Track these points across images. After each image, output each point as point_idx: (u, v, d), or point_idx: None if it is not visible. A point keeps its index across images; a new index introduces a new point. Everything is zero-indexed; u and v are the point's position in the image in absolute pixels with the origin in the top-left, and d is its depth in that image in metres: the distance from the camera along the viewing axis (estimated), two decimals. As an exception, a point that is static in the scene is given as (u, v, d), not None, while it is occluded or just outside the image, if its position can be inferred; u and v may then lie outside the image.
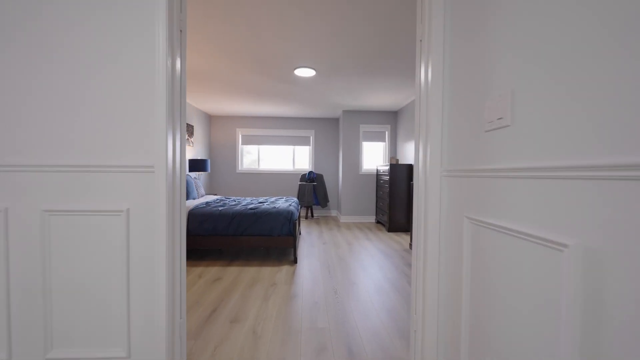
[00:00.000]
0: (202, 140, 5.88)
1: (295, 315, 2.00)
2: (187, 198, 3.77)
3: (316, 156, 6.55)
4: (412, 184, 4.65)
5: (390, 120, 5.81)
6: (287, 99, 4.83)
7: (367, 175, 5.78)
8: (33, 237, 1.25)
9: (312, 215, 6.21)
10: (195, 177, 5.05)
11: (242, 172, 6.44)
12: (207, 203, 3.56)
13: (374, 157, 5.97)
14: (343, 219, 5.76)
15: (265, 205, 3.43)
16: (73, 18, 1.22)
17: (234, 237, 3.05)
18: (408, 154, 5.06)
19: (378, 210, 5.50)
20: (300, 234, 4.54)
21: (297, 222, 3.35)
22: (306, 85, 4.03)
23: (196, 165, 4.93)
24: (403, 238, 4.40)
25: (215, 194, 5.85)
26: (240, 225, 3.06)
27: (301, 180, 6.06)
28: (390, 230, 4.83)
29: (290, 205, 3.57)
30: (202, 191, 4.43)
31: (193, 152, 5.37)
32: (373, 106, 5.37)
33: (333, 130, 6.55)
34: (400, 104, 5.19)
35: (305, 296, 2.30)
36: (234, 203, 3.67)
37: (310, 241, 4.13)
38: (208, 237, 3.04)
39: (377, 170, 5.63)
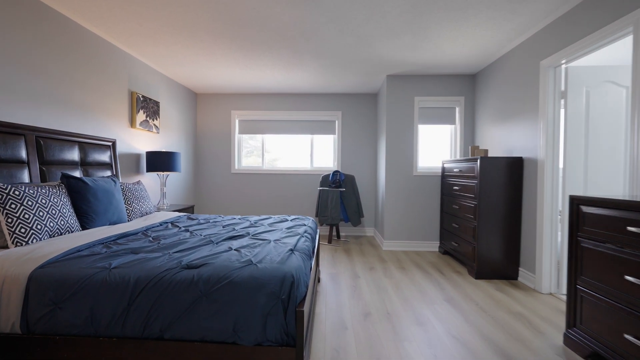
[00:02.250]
0: (180, 127, 4.09)
1: None
2: (92, 222, 1.91)
3: (344, 149, 4.54)
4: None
5: (465, 89, 3.66)
6: (299, 51, 2.88)
7: (425, 177, 3.68)
8: None
9: (338, 236, 4.20)
10: (134, 182, 3.25)
11: (238, 173, 4.59)
12: (116, 239, 1.70)
13: (436, 148, 3.84)
14: (387, 244, 3.70)
15: (239, 246, 1.49)
16: None
17: (138, 344, 1.14)
18: (499, 142, 2.91)
19: (445, 234, 3.38)
20: (319, 281, 2.56)
21: (306, 289, 1.36)
22: (332, 14, 2.05)
23: (157, 161, 3.12)
24: (519, 301, 2.26)
25: (185, 209, 4.02)
26: (152, 315, 1.14)
27: (322, 184, 4.08)
28: (479, 275, 2.70)
29: (297, 242, 1.61)
30: (149, 204, 2.57)
31: (159, 142, 3.58)
32: (439, 64, 3.27)
33: (369, 111, 4.50)
34: (487, 59, 3.04)
35: None
36: (182, 236, 1.76)
37: (338, 303, 2.13)
38: (74, 341, 1.15)
39: (443, 168, 3.51)
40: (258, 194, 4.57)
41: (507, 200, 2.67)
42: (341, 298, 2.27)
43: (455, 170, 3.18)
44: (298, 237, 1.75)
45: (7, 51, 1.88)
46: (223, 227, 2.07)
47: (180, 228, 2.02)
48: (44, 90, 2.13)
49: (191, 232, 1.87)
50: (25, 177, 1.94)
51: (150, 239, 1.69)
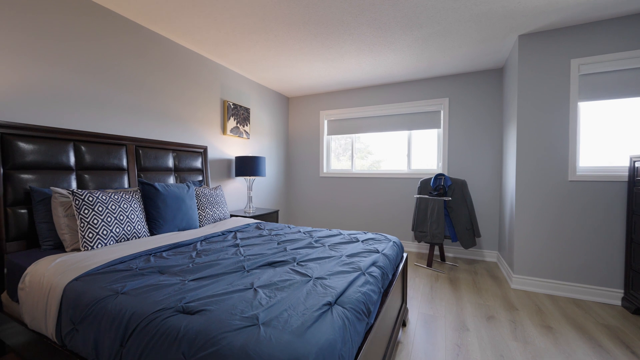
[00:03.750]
0: (272, 132, 4.16)
1: None
2: (160, 228, 1.92)
3: (452, 146, 3.54)
4: None
5: (682, 33, 2.09)
6: (385, 24, 2.27)
7: (594, 183, 2.32)
8: None
9: (443, 258, 3.26)
10: (214, 186, 3.32)
11: (327, 177, 4.31)
12: (164, 250, 1.61)
13: (613, 137, 2.38)
14: (519, 281, 2.54)
15: (266, 283, 1.09)
16: None
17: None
18: None
19: (639, 280, 1.98)
20: (404, 325, 1.88)
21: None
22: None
23: (244, 165, 3.17)
24: None
25: (268, 214, 3.99)
26: (142, 365, 0.86)
27: (420, 191, 3.26)
28: None
29: (349, 285, 1.08)
30: (223, 210, 2.54)
31: (249, 147, 3.69)
32: (607, 3, 1.95)
33: (490, 93, 3.34)
34: None
35: None
36: (224, 254, 1.52)
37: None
38: (86, 372, 1.02)
39: (633, 168, 2.10)
40: (346, 200, 4.16)
41: None
42: (433, 365, 1.53)
43: (665, 172, 1.80)
44: (357, 274, 1.19)
45: (110, 70, 2.15)
46: (278, 243, 1.74)
47: (235, 240, 1.81)
48: (142, 103, 2.38)
49: (238, 248, 1.61)
50: (125, 182, 2.18)
51: (194, 253, 1.51)
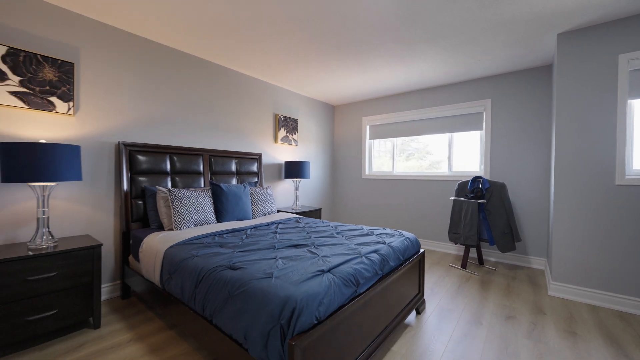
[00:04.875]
0: (318, 138, 4.63)
1: None
2: (223, 217, 2.54)
3: (495, 148, 3.47)
4: None
5: None
6: (408, 40, 2.50)
7: (648, 187, 2.13)
8: None
9: (481, 262, 3.25)
10: (266, 186, 3.86)
11: (368, 179, 4.58)
12: (225, 233, 2.18)
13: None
14: (556, 288, 2.45)
15: (287, 256, 1.52)
16: None
17: (201, 321, 1.42)
18: None
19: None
20: (418, 312, 2.10)
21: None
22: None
23: (291, 169, 3.71)
24: None
25: (312, 211, 4.42)
26: (207, 301, 1.38)
27: (457, 193, 3.32)
28: None
29: (343, 262, 1.43)
30: (271, 205, 3.08)
31: (297, 153, 4.23)
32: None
33: (536, 92, 3.19)
34: None
35: None
36: (265, 238, 2.01)
37: (424, 350, 1.66)
38: (177, 305, 1.61)
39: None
40: (387, 200, 4.37)
41: None
42: (434, 345, 1.75)
43: None
44: (355, 256, 1.53)
45: (191, 99, 2.89)
46: (307, 233, 2.17)
47: (276, 229, 2.30)
48: (213, 122, 3.09)
49: (276, 234, 2.09)
50: (202, 183, 2.90)
51: (244, 236, 2.05)
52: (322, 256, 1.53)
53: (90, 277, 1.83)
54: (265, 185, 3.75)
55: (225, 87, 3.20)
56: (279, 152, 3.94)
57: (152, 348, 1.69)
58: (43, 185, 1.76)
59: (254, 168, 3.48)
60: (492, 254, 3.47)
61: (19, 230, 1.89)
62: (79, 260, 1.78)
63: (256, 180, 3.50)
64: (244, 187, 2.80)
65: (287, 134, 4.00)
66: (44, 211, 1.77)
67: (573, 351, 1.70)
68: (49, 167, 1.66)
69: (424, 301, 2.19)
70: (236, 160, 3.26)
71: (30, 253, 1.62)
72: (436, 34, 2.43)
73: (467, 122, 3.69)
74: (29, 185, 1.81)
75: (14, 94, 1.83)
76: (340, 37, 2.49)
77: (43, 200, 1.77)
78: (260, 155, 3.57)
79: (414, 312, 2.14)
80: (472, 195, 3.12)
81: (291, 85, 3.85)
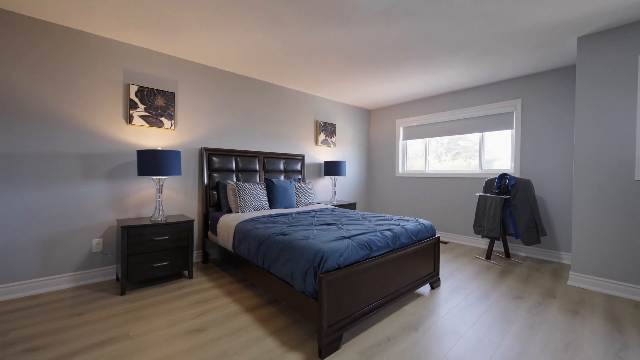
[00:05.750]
0: (355, 140, 5.13)
1: None
2: (274, 205, 3.22)
3: (526, 146, 3.59)
4: None
5: None
6: (429, 55, 2.88)
7: (667, 182, 2.20)
8: None
9: (508, 255, 3.42)
10: (305, 182, 4.43)
11: (402, 177, 4.94)
12: (277, 215, 2.83)
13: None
14: (575, 278, 2.60)
15: (320, 229, 2.09)
16: None
17: (261, 272, 2.08)
18: None
19: None
20: (431, 287, 2.50)
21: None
22: None
23: (330, 168, 4.29)
24: None
25: (347, 204, 4.92)
26: (266, 256, 2.03)
27: (485, 189, 3.54)
28: None
29: (359, 233, 1.94)
30: (312, 197, 3.69)
31: (335, 153, 4.79)
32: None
33: (562, 90, 3.26)
34: None
35: None
36: (306, 220, 2.60)
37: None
38: (244, 262, 2.30)
39: None
40: (419, 197, 4.68)
41: None
42: (439, 309, 2.15)
43: None
44: (371, 231, 2.04)
45: (251, 112, 3.64)
46: (339, 217, 2.71)
47: (314, 215, 2.89)
48: (266, 129, 3.81)
49: (314, 218, 2.68)
50: (257, 179, 3.64)
51: (291, 217, 2.68)
52: (346, 230, 2.07)
53: (187, 242, 2.63)
54: (307, 181, 4.39)
55: (274, 100, 3.91)
56: (319, 153, 4.54)
57: (228, 292, 2.41)
58: (159, 178, 2.61)
59: (298, 167, 4.14)
60: (522, 249, 3.60)
61: (143, 209, 2.79)
62: (181, 229, 2.59)
63: (300, 177, 4.14)
64: (290, 182, 3.46)
65: (327, 137, 4.59)
66: (159, 196, 2.61)
67: (567, 324, 1.95)
68: (164, 166, 2.48)
69: (438, 279, 2.56)
70: (284, 161, 3.95)
71: (153, 222, 2.46)
72: (453, 48, 2.77)
73: (497, 122, 3.84)
74: (152, 178, 2.67)
75: (141, 117, 2.73)
76: (367, 57, 2.99)
77: (159, 189, 2.61)
78: (303, 156, 4.21)
79: (428, 286, 2.54)
80: (497, 191, 3.33)
81: (329, 94, 4.43)
